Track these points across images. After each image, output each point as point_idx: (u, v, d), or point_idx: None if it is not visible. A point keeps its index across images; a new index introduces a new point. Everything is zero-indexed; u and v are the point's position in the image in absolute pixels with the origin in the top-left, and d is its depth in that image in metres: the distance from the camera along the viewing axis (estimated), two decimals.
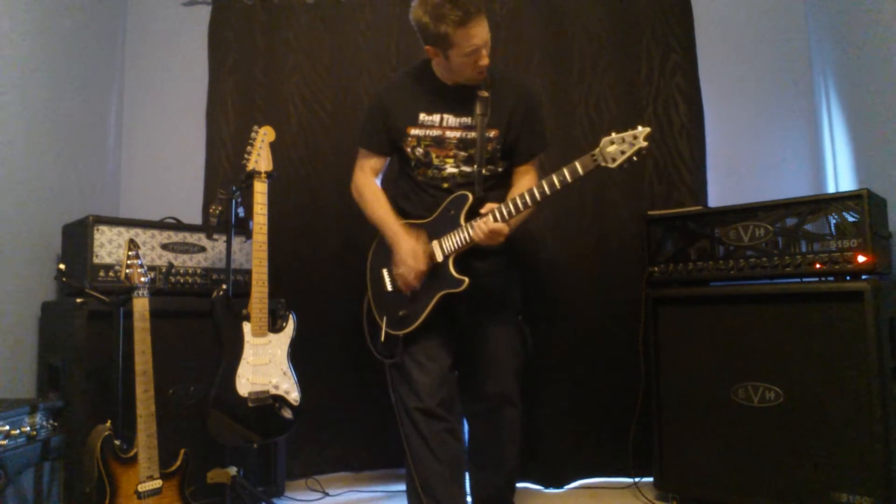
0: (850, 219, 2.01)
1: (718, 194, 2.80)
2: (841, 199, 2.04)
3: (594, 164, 1.78)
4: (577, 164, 1.79)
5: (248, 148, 2.18)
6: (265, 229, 2.17)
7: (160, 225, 2.34)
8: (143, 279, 1.94)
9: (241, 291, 2.24)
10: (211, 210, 2.25)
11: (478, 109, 1.96)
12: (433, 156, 2.03)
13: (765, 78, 2.92)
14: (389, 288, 2.07)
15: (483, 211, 1.91)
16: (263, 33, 3.00)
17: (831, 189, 2.75)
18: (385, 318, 2.05)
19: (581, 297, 2.76)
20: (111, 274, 2.17)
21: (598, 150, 1.78)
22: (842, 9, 2.63)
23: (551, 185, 1.81)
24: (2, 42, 2.20)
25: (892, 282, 2.09)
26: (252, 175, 2.18)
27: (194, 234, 2.40)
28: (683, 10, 2.87)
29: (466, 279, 1.93)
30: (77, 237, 2.22)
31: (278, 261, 2.44)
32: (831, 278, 2.06)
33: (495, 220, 1.86)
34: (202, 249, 2.41)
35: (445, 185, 2.05)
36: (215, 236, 2.38)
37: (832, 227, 2.04)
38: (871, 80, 2.42)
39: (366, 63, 2.95)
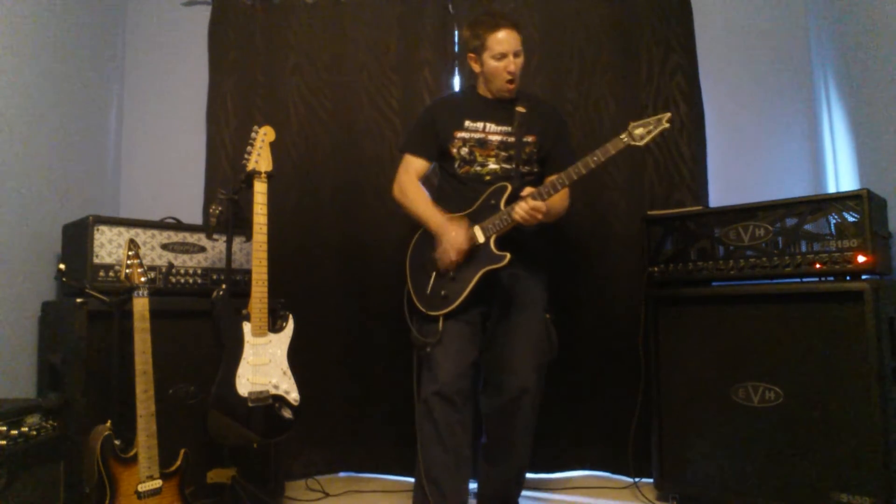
0: (850, 219, 2.01)
1: (718, 194, 2.80)
2: (841, 199, 2.04)
3: (624, 144, 2.01)
4: (609, 146, 2.01)
5: (248, 148, 2.18)
6: (265, 229, 2.17)
7: (160, 225, 2.34)
8: (143, 279, 1.94)
9: (241, 291, 2.24)
10: (211, 210, 2.25)
11: (516, 120, 2.22)
12: (476, 154, 2.23)
13: (765, 78, 2.92)
14: (431, 275, 2.17)
15: (523, 194, 2.08)
16: (263, 33, 3.00)
17: (831, 189, 2.75)
18: (425, 303, 2.15)
19: (581, 296, 2.76)
20: (111, 274, 2.17)
21: (626, 133, 2.01)
22: (842, 8, 2.63)
23: (586, 165, 2.02)
24: (1, 42, 2.20)
25: (892, 282, 2.09)
26: (252, 175, 2.18)
27: (194, 234, 2.40)
28: (683, 10, 2.87)
29: (507, 254, 2.07)
30: (77, 237, 2.22)
31: (278, 261, 2.44)
32: (831, 278, 2.06)
33: (534, 199, 2.03)
34: (202, 249, 2.41)
35: (487, 178, 2.21)
36: (215, 236, 2.38)
37: (832, 227, 2.04)
38: (872, 80, 2.42)
39: (365, 63, 2.95)
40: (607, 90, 2.85)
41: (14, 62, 2.27)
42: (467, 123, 2.24)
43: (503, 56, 2.16)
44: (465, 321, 2.12)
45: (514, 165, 2.20)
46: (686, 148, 2.79)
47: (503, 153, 2.22)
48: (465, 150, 2.23)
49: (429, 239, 2.19)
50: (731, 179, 2.86)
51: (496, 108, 2.26)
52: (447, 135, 2.25)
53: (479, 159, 2.22)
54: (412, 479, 2.75)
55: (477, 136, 2.24)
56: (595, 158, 2.01)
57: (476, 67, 2.26)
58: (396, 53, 2.95)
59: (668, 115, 2.01)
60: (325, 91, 2.97)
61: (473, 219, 2.15)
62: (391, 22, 2.96)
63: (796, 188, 2.79)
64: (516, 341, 2.16)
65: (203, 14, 3.03)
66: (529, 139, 2.23)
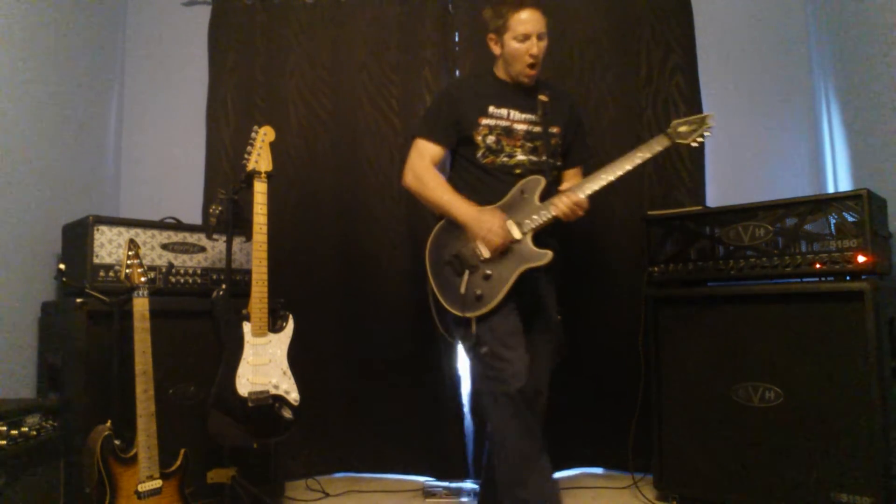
0: (850, 219, 2.01)
1: (718, 194, 2.80)
2: (841, 199, 2.04)
3: (670, 141, 1.99)
4: (654, 142, 1.98)
5: (248, 148, 2.18)
6: (265, 229, 2.17)
7: (160, 225, 2.34)
8: (143, 279, 1.94)
9: (241, 291, 2.24)
10: (211, 210, 2.25)
11: (540, 110, 2.09)
12: (504, 143, 2.09)
13: (765, 78, 2.92)
14: (462, 272, 1.99)
15: (562, 188, 2.00)
16: (263, 33, 3.00)
17: (831, 189, 2.75)
18: (456, 303, 1.99)
19: (581, 296, 2.76)
20: (111, 274, 2.17)
21: (671, 129, 2.00)
22: (841, 9, 2.63)
23: (631, 161, 1.97)
24: (1, 43, 2.20)
25: (892, 282, 2.09)
26: (252, 175, 2.18)
27: (194, 234, 2.40)
28: (683, 10, 2.87)
29: (549, 251, 1.96)
30: (77, 237, 2.22)
31: (278, 261, 2.44)
32: (831, 278, 2.06)
33: (575, 192, 1.96)
34: (202, 249, 2.41)
35: (518, 171, 2.09)
36: (215, 236, 2.38)
37: (832, 227, 2.04)
38: (871, 80, 2.42)
39: (365, 62, 2.95)
40: (606, 91, 2.85)
41: (14, 62, 2.27)
42: (491, 109, 2.10)
43: (526, 37, 2.04)
44: (511, 311, 1.98)
45: (543, 157, 2.08)
46: (685, 149, 2.78)
47: (528, 144, 2.10)
48: (491, 139, 2.08)
49: (452, 232, 2.04)
50: (731, 179, 2.86)
51: (518, 95, 2.13)
52: (471, 121, 2.09)
53: (507, 149, 2.09)
54: (412, 478, 2.76)
55: (503, 123, 2.10)
56: (641, 155, 1.96)
57: (496, 49, 2.13)
58: (396, 53, 2.95)
59: (712, 114, 1.98)
60: (325, 91, 2.97)
61: (505, 211, 2.02)
62: (391, 22, 2.96)
63: (796, 188, 2.79)
64: (536, 345, 2.06)
65: (203, 14, 3.03)
66: (555, 130, 2.13)
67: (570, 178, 2.22)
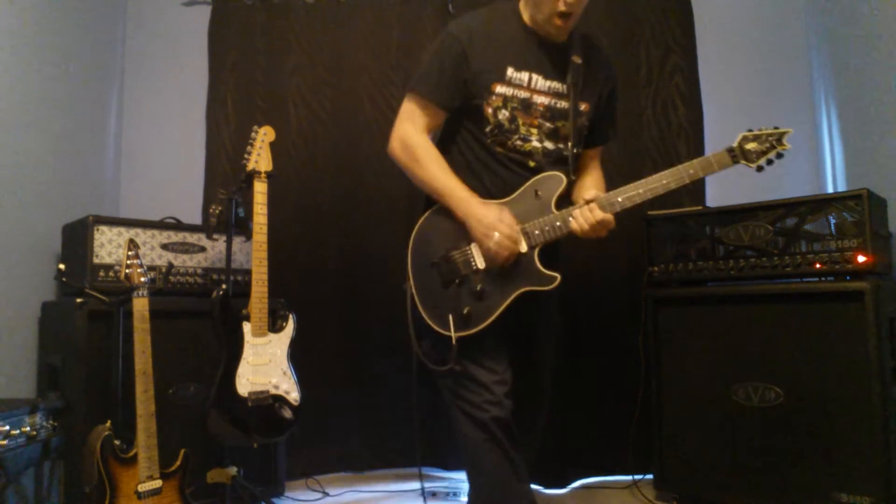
0: (850, 219, 2.01)
1: (718, 194, 2.79)
2: (841, 199, 2.04)
3: (732, 161, 1.65)
4: (713, 160, 1.64)
5: (248, 148, 2.18)
6: (265, 229, 2.17)
7: (160, 225, 2.34)
8: (143, 279, 1.94)
9: (241, 291, 2.24)
10: (211, 210, 2.25)
11: (570, 77, 1.67)
12: (520, 122, 1.67)
13: (765, 78, 2.92)
14: (450, 282, 1.67)
15: (588, 197, 1.63)
16: (263, 33, 3.00)
17: (831, 189, 2.75)
18: (438, 320, 1.67)
19: (581, 297, 2.76)
20: (111, 274, 2.17)
21: (736, 145, 1.67)
22: (841, 9, 2.63)
23: (679, 179, 1.62)
24: (1, 42, 2.20)
25: (892, 282, 2.09)
26: (252, 175, 2.18)
27: (194, 234, 2.40)
28: (683, 11, 2.87)
29: (558, 276, 1.63)
30: (77, 237, 2.22)
31: (278, 260, 2.44)
32: (831, 278, 2.06)
33: (602, 208, 1.61)
34: (202, 249, 2.41)
35: (532, 164, 1.69)
36: (215, 236, 2.38)
37: (832, 227, 2.04)
38: (871, 80, 2.42)
39: (366, 63, 2.95)
40: None
41: (14, 62, 2.26)
42: (510, 73, 1.65)
43: None
44: (498, 336, 1.68)
45: (567, 144, 1.67)
46: (684, 149, 2.80)
47: (548, 124, 1.68)
48: (504, 114, 1.65)
49: (443, 226, 1.68)
50: (731, 179, 2.84)
51: (546, 52, 1.67)
52: (483, 86, 1.65)
53: (522, 130, 1.66)
54: (413, 471, 2.75)
55: (521, 94, 1.65)
56: (691, 173, 1.61)
57: None
58: (396, 53, 2.95)
59: (790, 131, 1.66)
60: (325, 91, 2.97)
61: (513, 216, 1.64)
62: (391, 22, 2.96)
63: (796, 188, 2.79)
64: (538, 379, 1.92)
65: (203, 14, 3.03)
66: (582, 108, 1.70)
67: (588, 161, 1.87)
